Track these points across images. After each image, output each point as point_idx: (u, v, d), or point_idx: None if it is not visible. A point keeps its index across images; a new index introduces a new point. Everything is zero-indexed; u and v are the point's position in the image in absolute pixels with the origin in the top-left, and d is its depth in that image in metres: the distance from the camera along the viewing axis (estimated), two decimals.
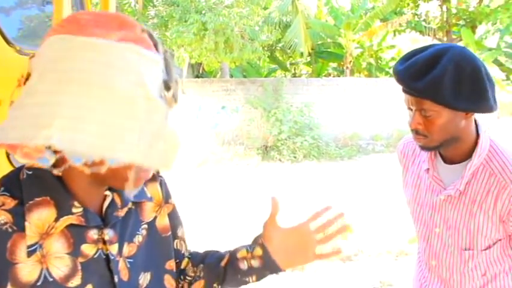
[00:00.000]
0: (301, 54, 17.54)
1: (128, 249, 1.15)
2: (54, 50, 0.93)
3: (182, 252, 1.39)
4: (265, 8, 17.39)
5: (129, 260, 1.15)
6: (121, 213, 1.14)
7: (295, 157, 14.44)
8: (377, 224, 7.31)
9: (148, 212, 1.24)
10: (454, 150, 1.79)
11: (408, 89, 1.68)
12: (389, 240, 6.50)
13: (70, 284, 1.03)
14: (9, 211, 0.99)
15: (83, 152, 0.87)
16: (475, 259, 1.84)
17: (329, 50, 19.21)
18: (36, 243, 1.00)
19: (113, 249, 1.10)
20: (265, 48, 17.07)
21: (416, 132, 1.73)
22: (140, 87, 0.92)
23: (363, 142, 15.85)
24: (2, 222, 0.98)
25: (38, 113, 0.88)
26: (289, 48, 17.38)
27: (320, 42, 18.83)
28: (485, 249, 1.81)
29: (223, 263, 1.36)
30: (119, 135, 0.88)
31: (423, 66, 1.63)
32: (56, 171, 0.97)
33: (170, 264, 1.29)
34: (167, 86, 0.99)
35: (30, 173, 1.03)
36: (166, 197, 1.33)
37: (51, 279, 1.01)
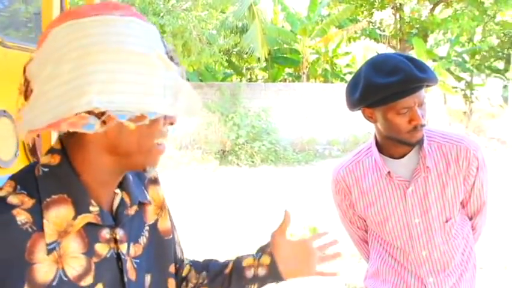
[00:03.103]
0: (258, 59, 17.63)
1: (135, 249, 1.16)
2: (62, 36, 0.97)
3: (179, 256, 1.40)
4: (222, 12, 17.40)
5: (135, 260, 1.16)
6: (131, 211, 1.15)
7: (253, 161, 14.49)
8: (336, 227, 7.38)
9: (150, 214, 1.25)
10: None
11: (428, 82, 1.82)
12: (350, 243, 6.57)
13: (82, 283, 1.03)
14: (28, 210, 0.98)
15: (123, 108, 0.94)
16: (455, 226, 2.01)
17: (285, 55, 19.36)
18: (55, 241, 0.99)
19: (123, 248, 1.11)
20: (222, 53, 17.05)
21: (421, 126, 1.84)
22: (151, 49, 0.99)
23: (320, 147, 16.04)
24: (23, 221, 0.97)
25: (68, 89, 0.93)
26: (246, 53, 17.44)
27: (276, 48, 18.96)
28: (458, 214, 2.02)
29: (227, 271, 1.38)
30: (149, 91, 0.96)
31: (416, 60, 1.84)
32: (101, 130, 0.97)
33: (173, 268, 1.30)
34: (168, 55, 1.05)
35: (46, 170, 1.03)
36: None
37: (65, 279, 1.01)
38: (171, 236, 1.30)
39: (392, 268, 2.08)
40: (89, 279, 1.04)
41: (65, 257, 1.01)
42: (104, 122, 0.96)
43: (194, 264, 1.43)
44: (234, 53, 19.77)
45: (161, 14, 13.98)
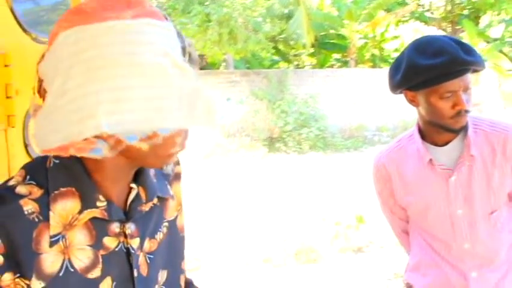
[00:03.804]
0: (304, 46, 17.47)
1: (150, 244, 1.14)
2: (71, 44, 0.93)
3: None
4: None
5: (149, 256, 1.14)
6: (145, 207, 1.12)
7: (301, 148, 14.43)
8: (383, 216, 7.28)
9: (171, 210, 1.23)
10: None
11: (474, 66, 1.77)
12: None
13: (89, 276, 1.03)
14: (35, 200, 0.98)
15: (133, 129, 0.91)
16: (500, 219, 1.93)
17: (332, 41, 19.13)
18: (59, 233, 0.99)
19: (134, 243, 1.09)
20: (269, 40, 16.99)
21: (465, 112, 1.78)
22: (165, 56, 0.93)
23: (368, 133, 15.83)
24: (30, 211, 0.97)
25: (77, 108, 0.90)
26: (291, 40, 17.30)
27: (323, 33, 18.75)
28: (504, 205, 1.94)
29: None
30: (161, 105, 0.91)
31: (463, 43, 1.79)
32: (111, 154, 0.95)
33: (184, 264, 1.28)
34: (185, 51, 1.00)
35: (57, 162, 1.02)
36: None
37: (72, 270, 1.01)
38: (184, 233, 1.29)
39: (433, 261, 2.00)
40: (96, 272, 1.03)
41: (71, 248, 1.01)
42: (112, 145, 0.94)
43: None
44: (281, 39, 19.66)
45: (207, 3, 14.02)
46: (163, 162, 1.05)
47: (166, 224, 1.20)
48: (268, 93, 15.31)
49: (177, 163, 1.26)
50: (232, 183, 10.21)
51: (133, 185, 1.09)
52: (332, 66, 20.82)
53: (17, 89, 1.38)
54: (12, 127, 1.37)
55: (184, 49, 1.00)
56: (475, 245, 1.93)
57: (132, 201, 1.09)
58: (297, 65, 22.11)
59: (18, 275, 0.97)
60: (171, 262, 1.22)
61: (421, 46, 1.81)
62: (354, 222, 6.60)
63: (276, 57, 21.49)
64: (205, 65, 19.48)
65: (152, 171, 1.16)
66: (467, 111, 1.78)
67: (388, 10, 18.28)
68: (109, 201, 1.04)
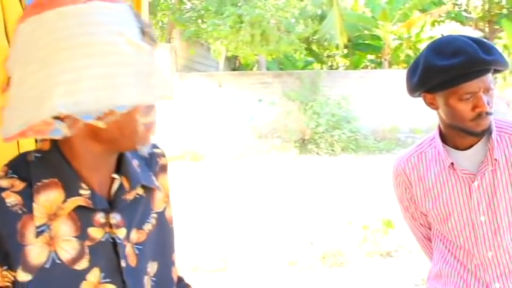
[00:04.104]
0: (336, 47, 17.36)
1: (137, 235, 1.14)
2: (27, 33, 0.96)
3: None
4: (301, 0, 17.28)
5: (138, 247, 1.14)
6: (129, 196, 1.12)
7: (333, 150, 14.34)
8: None
9: (159, 201, 1.23)
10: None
11: (495, 66, 1.70)
12: None
13: (76, 267, 1.03)
14: (18, 193, 1.00)
15: (90, 108, 0.93)
16: None
17: (366, 42, 18.97)
18: (44, 224, 1.00)
19: (120, 233, 1.09)
20: (301, 41, 16.96)
21: (486, 114, 1.71)
22: (119, 35, 0.95)
23: (402, 135, 15.62)
24: (13, 203, 0.99)
25: (35, 93, 0.93)
26: (324, 41, 17.22)
27: (356, 34, 18.61)
28: None
29: None
30: (117, 83, 0.94)
31: (483, 42, 1.71)
32: (70, 133, 0.97)
33: (174, 256, 1.28)
34: (142, 31, 1.01)
35: (39, 155, 1.04)
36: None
37: (58, 262, 1.01)
38: (173, 225, 1.29)
39: (454, 270, 1.92)
40: (83, 263, 1.04)
41: (57, 239, 1.02)
42: (70, 125, 0.95)
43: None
44: (314, 40, 19.59)
45: (239, 4, 14.07)
46: (134, 142, 1.06)
47: (154, 215, 1.21)
48: (300, 94, 15.26)
49: (162, 155, 1.28)
50: (263, 185, 10.20)
51: (115, 176, 1.10)
52: (365, 67, 20.64)
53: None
54: None
55: (141, 29, 1.02)
56: (499, 253, 1.85)
57: (116, 192, 1.10)
58: (331, 66, 21.99)
59: (5, 267, 0.98)
60: (161, 254, 1.22)
61: (439, 47, 1.75)
62: (383, 226, 6.50)
63: (310, 59, 21.43)
64: (239, 66, 19.56)
65: (136, 162, 1.17)
66: (488, 113, 1.71)
67: (423, 10, 18.02)
68: (92, 190, 1.05)
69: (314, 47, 20.43)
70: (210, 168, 12.35)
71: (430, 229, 2.05)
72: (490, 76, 1.71)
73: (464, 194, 1.85)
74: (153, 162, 1.23)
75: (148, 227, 1.18)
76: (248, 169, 12.27)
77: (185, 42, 15.89)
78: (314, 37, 19.02)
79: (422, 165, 1.93)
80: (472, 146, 1.83)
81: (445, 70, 1.68)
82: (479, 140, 1.82)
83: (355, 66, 19.51)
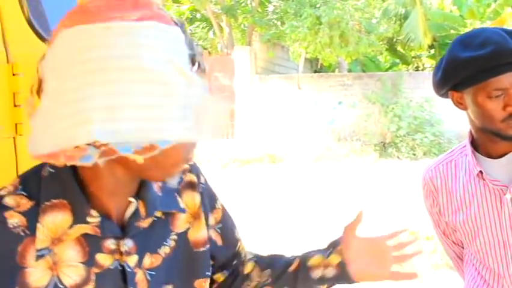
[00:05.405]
0: (419, 47, 16.81)
1: (151, 260, 1.06)
2: (70, 43, 0.87)
3: (243, 254, 1.30)
4: (383, 0, 16.90)
5: (150, 272, 1.06)
6: (144, 224, 1.04)
7: (414, 154, 13.87)
8: None
9: (181, 222, 1.13)
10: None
11: None
12: None
13: None
14: (23, 213, 0.94)
15: (129, 139, 0.83)
16: None
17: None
18: (46, 247, 0.95)
19: (131, 260, 1.02)
20: (384, 42, 16.55)
21: None
22: (169, 63, 0.87)
23: None
24: (15, 224, 0.93)
25: (71, 113, 0.84)
26: (407, 41, 16.73)
27: (443, 34, 17.94)
28: None
29: (291, 269, 1.25)
30: (161, 115, 0.84)
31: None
32: (101, 162, 0.87)
33: (202, 284, 1.16)
34: (193, 60, 0.93)
35: (53, 171, 0.97)
36: (210, 206, 1.20)
37: (61, 287, 0.96)
38: (204, 248, 1.16)
39: None
40: None
41: (60, 264, 0.96)
42: (104, 153, 0.86)
43: (258, 260, 1.30)
44: (399, 41, 19.09)
45: (318, 5, 13.94)
46: (165, 175, 0.98)
47: (174, 237, 1.11)
48: (381, 96, 14.90)
49: (189, 170, 1.17)
50: (341, 189, 10.03)
51: (132, 199, 1.02)
52: None
53: (26, 97, 1.38)
54: (20, 135, 1.35)
55: (193, 57, 0.93)
56: None
57: (131, 216, 1.03)
58: (417, 67, 21.36)
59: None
60: (179, 277, 1.12)
61: (466, 39, 1.57)
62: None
63: (396, 60, 20.92)
64: (321, 68, 19.39)
65: (158, 183, 1.09)
66: None
67: None
68: (104, 217, 0.98)
69: (399, 48, 19.90)
70: (288, 171, 12.30)
71: (463, 248, 1.85)
72: None
73: (494, 208, 1.64)
74: (173, 184, 1.13)
75: (165, 250, 1.09)
76: (327, 172, 12.12)
77: (264, 45, 15.95)
78: (399, 38, 18.55)
79: (450, 174, 1.75)
80: (506, 153, 1.62)
81: (469, 62, 1.50)
82: (505, 150, 1.61)
83: None
